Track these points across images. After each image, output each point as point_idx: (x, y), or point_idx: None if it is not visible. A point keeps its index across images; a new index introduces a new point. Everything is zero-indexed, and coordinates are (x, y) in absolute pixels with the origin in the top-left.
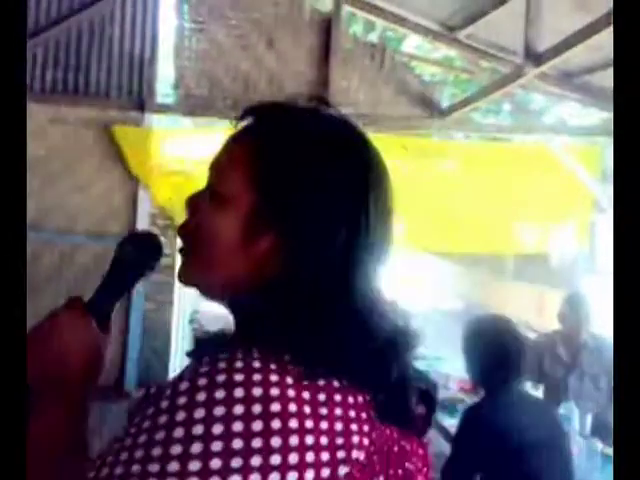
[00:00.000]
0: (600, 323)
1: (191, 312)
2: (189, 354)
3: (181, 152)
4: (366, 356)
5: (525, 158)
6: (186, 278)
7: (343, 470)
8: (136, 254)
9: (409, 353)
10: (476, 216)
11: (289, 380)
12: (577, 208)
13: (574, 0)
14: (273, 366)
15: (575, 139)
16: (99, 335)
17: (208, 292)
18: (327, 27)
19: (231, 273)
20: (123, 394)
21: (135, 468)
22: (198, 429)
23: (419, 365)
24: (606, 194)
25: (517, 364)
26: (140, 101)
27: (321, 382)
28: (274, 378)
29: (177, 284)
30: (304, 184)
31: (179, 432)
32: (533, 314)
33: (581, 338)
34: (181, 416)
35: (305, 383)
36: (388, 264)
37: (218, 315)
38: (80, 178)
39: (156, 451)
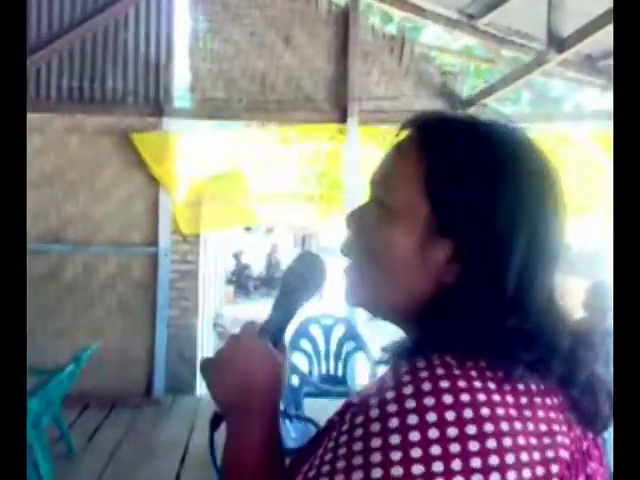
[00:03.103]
0: None
1: (214, 316)
2: (380, 362)
3: (200, 154)
4: (558, 354)
5: (546, 146)
6: (356, 298)
7: (555, 468)
8: (305, 276)
9: (593, 352)
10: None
11: (491, 385)
12: (600, 196)
13: None
14: (473, 373)
15: (596, 125)
16: (276, 354)
17: (383, 309)
18: (345, 20)
19: (408, 285)
20: (152, 401)
21: (356, 477)
22: (414, 435)
23: None
24: None
25: None
26: (157, 106)
27: (520, 386)
28: (478, 384)
29: (201, 289)
30: (478, 193)
31: (395, 439)
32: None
33: (605, 326)
34: (394, 423)
35: (506, 388)
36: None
37: (240, 318)
38: (100, 187)
39: (375, 457)
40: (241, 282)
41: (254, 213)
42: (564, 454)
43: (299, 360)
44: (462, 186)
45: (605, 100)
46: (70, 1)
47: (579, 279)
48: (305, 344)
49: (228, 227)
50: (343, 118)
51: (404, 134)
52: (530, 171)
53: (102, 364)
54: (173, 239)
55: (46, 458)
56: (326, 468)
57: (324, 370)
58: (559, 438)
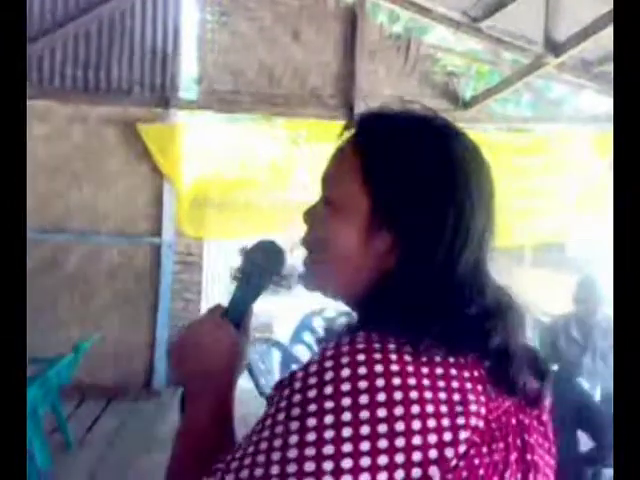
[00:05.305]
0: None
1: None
2: (319, 341)
3: (206, 148)
4: (470, 328)
5: (545, 148)
6: (313, 285)
7: (463, 435)
8: (263, 261)
9: (514, 326)
10: (497, 208)
11: (407, 358)
12: (594, 197)
13: None
14: (392, 346)
15: (594, 128)
16: (236, 335)
17: (334, 293)
18: (352, 18)
19: (354, 273)
20: (152, 393)
21: (277, 443)
22: (328, 403)
23: None
24: None
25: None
26: (163, 97)
27: (438, 359)
28: (393, 356)
29: (204, 283)
30: (412, 186)
31: (312, 407)
32: (551, 300)
33: (594, 320)
34: (312, 394)
35: (423, 360)
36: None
37: None
38: (104, 177)
39: (293, 425)
40: None
41: (266, 224)
42: (476, 422)
43: (302, 352)
44: (396, 181)
45: (601, 104)
46: None
47: (571, 276)
48: (307, 337)
49: (236, 237)
50: (350, 115)
51: (348, 134)
52: (458, 162)
53: (102, 355)
54: (177, 230)
55: (43, 448)
56: (255, 437)
57: None
58: (473, 407)
